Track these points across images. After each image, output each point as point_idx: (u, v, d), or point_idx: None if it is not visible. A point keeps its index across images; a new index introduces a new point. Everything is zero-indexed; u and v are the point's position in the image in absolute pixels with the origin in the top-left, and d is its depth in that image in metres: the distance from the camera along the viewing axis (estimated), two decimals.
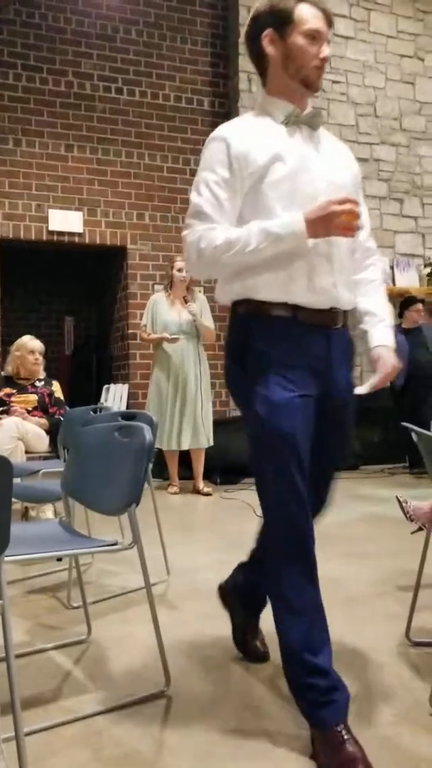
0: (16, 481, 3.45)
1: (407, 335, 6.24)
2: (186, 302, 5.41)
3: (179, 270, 5.42)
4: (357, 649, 2.36)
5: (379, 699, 2.00)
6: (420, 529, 3.15)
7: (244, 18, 6.71)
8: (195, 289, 5.73)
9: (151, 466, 2.51)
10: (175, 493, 5.42)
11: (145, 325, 5.55)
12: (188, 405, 5.40)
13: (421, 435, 2.22)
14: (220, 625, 2.60)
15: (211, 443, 5.53)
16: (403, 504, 3.21)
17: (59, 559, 3.21)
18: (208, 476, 6.16)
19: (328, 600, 2.87)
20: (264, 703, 1.99)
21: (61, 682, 2.14)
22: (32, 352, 4.67)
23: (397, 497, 3.27)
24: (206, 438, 5.46)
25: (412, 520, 3.16)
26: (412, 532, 3.19)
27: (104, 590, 3.04)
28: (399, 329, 6.21)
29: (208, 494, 5.40)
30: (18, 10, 6.36)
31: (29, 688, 2.08)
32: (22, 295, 9.03)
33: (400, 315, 6.38)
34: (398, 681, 2.12)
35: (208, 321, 5.50)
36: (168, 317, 5.44)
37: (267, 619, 2.64)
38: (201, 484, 5.50)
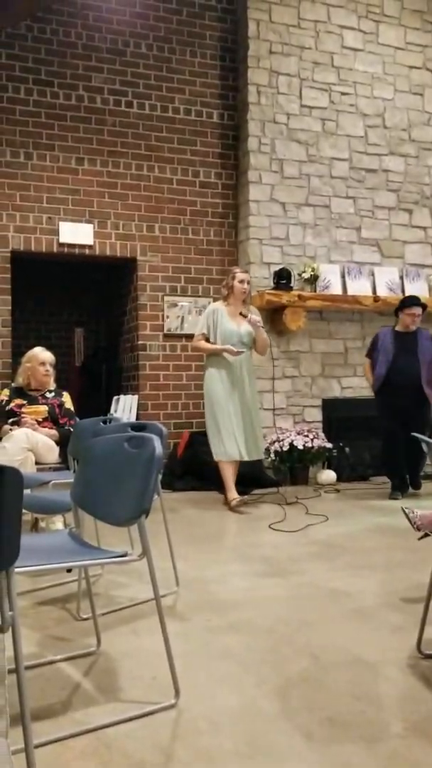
0: (26, 491, 3.47)
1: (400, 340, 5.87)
2: (243, 315, 5.38)
3: (240, 282, 5.43)
4: (367, 661, 2.35)
5: (389, 711, 1.99)
6: (426, 535, 3.15)
7: (254, 32, 6.78)
8: (249, 302, 5.75)
9: (160, 477, 2.51)
10: (243, 503, 5.24)
11: (204, 333, 5.43)
12: (250, 415, 5.36)
13: (431, 445, 2.22)
14: (229, 637, 2.60)
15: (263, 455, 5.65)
16: (409, 514, 3.21)
17: (69, 571, 3.21)
18: (219, 487, 6.15)
19: (337, 612, 2.87)
20: (274, 716, 1.98)
21: (70, 694, 2.15)
22: (43, 363, 4.69)
23: (402, 508, 3.27)
24: (262, 449, 5.56)
25: (418, 529, 3.16)
26: (419, 539, 3.20)
27: (114, 602, 3.04)
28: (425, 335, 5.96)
29: (241, 509, 5.19)
30: (29, 25, 6.43)
31: (39, 700, 2.09)
32: (32, 307, 9.08)
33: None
34: (409, 693, 2.11)
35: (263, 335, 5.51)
36: (229, 327, 5.38)
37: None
38: (233, 497, 5.28)
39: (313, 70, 7.00)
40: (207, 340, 5.42)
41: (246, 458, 5.33)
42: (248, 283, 5.51)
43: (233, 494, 5.26)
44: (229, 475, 5.31)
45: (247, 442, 5.32)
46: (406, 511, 3.23)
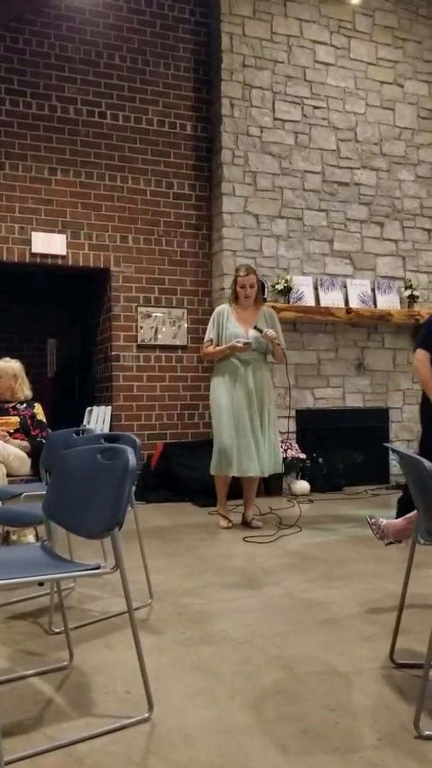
0: None
1: None
2: (258, 329, 4.91)
3: (242, 287, 5.02)
4: (341, 672, 2.35)
5: (363, 722, 1.99)
6: (392, 542, 3.19)
7: (227, 45, 6.83)
8: (262, 303, 5.28)
9: (134, 488, 2.50)
10: (228, 527, 4.92)
11: (211, 340, 5.03)
12: (260, 428, 4.91)
13: (403, 456, 2.24)
14: (203, 649, 2.58)
15: (278, 470, 5.13)
16: (371, 524, 3.24)
17: (41, 584, 3.18)
18: (192, 498, 6.13)
19: (311, 623, 2.87)
20: (248, 728, 1.97)
21: (42, 709, 2.11)
22: (13, 375, 4.64)
23: (366, 518, 3.31)
24: (273, 465, 5.01)
25: (381, 538, 3.19)
26: (386, 544, 3.24)
27: (86, 615, 3.01)
28: None
29: (257, 527, 4.92)
30: (2, 35, 6.41)
31: (10, 716, 2.05)
32: (4, 317, 9.01)
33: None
34: (382, 703, 2.11)
35: (280, 338, 5.03)
36: (236, 330, 4.96)
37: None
38: (251, 516, 5.06)
39: (285, 84, 7.07)
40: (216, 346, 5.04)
41: (237, 474, 4.91)
42: (251, 286, 5.03)
43: (223, 511, 5.05)
44: (220, 490, 5.05)
45: (246, 456, 4.84)
46: (370, 521, 3.26)
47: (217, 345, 5.00)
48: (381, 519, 3.25)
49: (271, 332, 4.88)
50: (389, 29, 7.55)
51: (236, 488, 5.24)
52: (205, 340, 5.15)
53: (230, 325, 4.99)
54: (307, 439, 6.94)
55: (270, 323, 5.02)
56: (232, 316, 5.03)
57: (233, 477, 5.02)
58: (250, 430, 4.87)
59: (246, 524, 4.98)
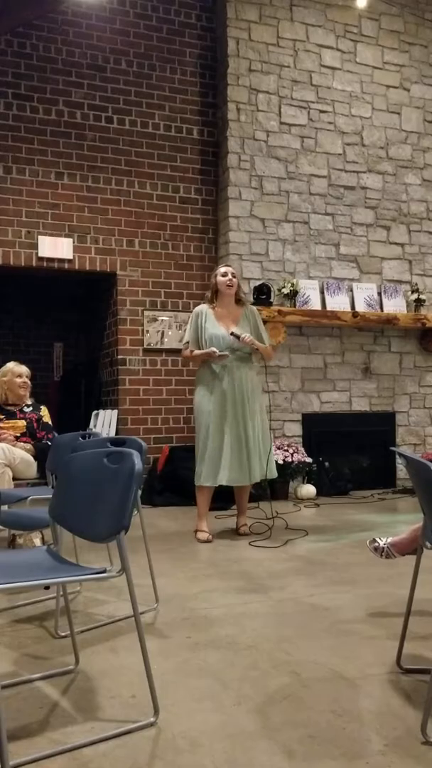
0: (4, 508, 3.44)
1: None
2: (235, 335, 4.64)
3: (223, 275, 4.76)
4: (347, 677, 2.34)
5: (369, 727, 1.98)
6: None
7: (233, 50, 6.84)
8: (245, 299, 4.99)
9: (140, 492, 2.50)
10: (208, 541, 4.64)
11: (188, 343, 4.78)
12: (247, 435, 4.66)
13: (410, 460, 2.23)
14: (209, 654, 2.57)
15: (270, 476, 4.85)
16: (372, 549, 3.19)
17: (47, 588, 3.17)
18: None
19: (318, 628, 2.86)
20: (254, 733, 1.97)
21: (47, 713, 2.11)
22: (20, 375, 4.66)
23: (367, 543, 3.25)
24: (262, 471, 4.76)
25: (388, 557, 3.15)
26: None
27: (92, 619, 3.01)
28: None
29: (245, 534, 4.79)
30: (9, 40, 6.44)
31: (15, 720, 2.05)
32: (11, 321, 9.04)
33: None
34: (389, 709, 2.10)
35: (263, 336, 4.83)
36: (215, 331, 4.68)
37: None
38: (242, 523, 4.91)
39: (291, 88, 7.08)
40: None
41: (226, 483, 4.69)
42: (234, 275, 4.79)
43: (202, 526, 4.75)
44: (201, 502, 4.77)
45: (238, 465, 4.64)
46: (371, 546, 3.21)
47: (195, 348, 4.75)
48: (380, 540, 3.20)
49: (247, 337, 4.63)
50: (395, 33, 7.55)
51: (229, 494, 5.10)
52: (182, 343, 4.92)
53: (209, 325, 4.72)
54: (314, 442, 6.93)
55: (252, 323, 4.82)
56: (211, 316, 4.75)
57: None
58: (235, 438, 4.64)
59: (239, 534, 4.86)
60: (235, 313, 4.82)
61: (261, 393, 4.87)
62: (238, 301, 4.85)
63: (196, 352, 4.72)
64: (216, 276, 4.83)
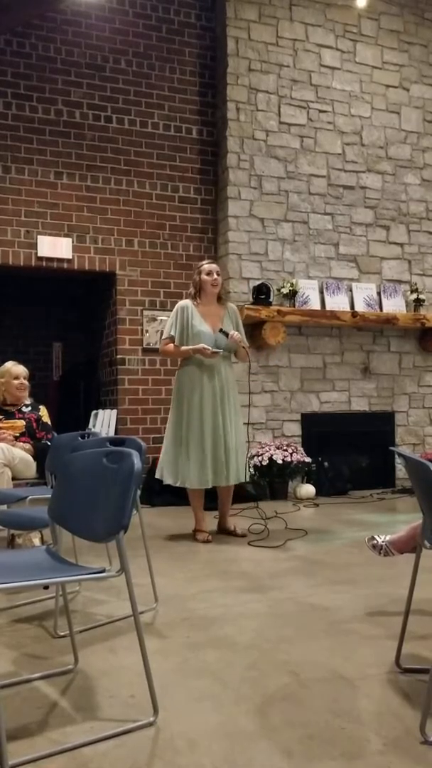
0: (3, 508, 3.44)
1: None
2: (224, 332, 4.63)
3: (208, 274, 4.69)
4: (346, 677, 2.34)
5: (368, 728, 1.98)
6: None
7: (233, 49, 6.84)
8: (226, 299, 4.92)
9: (139, 492, 2.50)
10: (207, 541, 4.61)
11: (171, 337, 4.66)
12: (227, 435, 4.61)
13: (409, 460, 2.23)
14: (208, 654, 2.57)
15: (244, 478, 4.75)
16: (371, 547, 3.20)
17: (46, 587, 3.17)
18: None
19: (317, 628, 2.86)
20: (253, 734, 1.97)
21: (47, 713, 2.11)
22: (17, 377, 4.65)
23: (365, 540, 3.26)
24: (240, 473, 4.68)
25: (386, 555, 3.16)
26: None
27: (91, 619, 3.01)
28: None
29: (243, 535, 4.74)
30: (8, 39, 6.44)
31: (14, 720, 2.05)
32: (10, 321, 9.04)
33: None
34: (388, 709, 2.10)
35: (244, 337, 4.78)
36: (203, 328, 4.63)
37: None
38: (232, 524, 4.85)
39: (291, 88, 7.07)
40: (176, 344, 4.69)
41: (212, 485, 4.65)
42: (218, 273, 4.74)
43: (200, 526, 4.72)
44: (196, 503, 4.73)
45: (219, 466, 4.60)
46: (369, 544, 3.22)
47: (180, 344, 4.64)
48: (378, 537, 3.21)
49: (237, 335, 4.64)
50: (395, 33, 7.55)
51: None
52: (164, 337, 4.76)
53: (196, 322, 4.63)
54: (313, 442, 6.93)
55: (234, 322, 4.77)
56: (196, 313, 4.68)
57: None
58: (215, 437, 4.59)
59: (225, 533, 4.82)
60: (218, 311, 4.76)
61: (237, 392, 4.82)
62: (219, 298, 4.80)
63: (184, 347, 4.63)
64: (200, 273, 4.74)
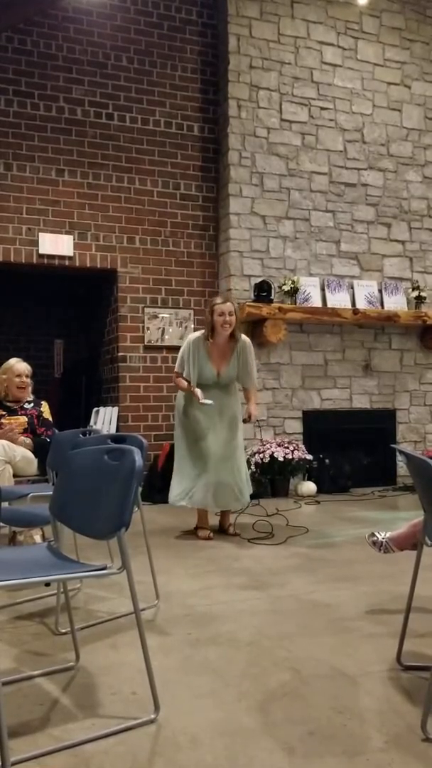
0: (4, 505, 3.44)
1: None
2: (230, 350, 4.64)
3: (220, 315, 4.60)
4: (348, 674, 2.34)
5: (370, 724, 1.98)
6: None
7: (234, 47, 6.83)
8: (239, 335, 4.76)
9: (140, 489, 2.50)
10: (209, 538, 4.65)
11: (180, 372, 4.73)
12: (226, 459, 4.65)
13: (410, 457, 2.23)
14: (209, 651, 2.58)
15: (247, 499, 4.80)
16: (371, 543, 3.20)
17: (47, 584, 3.18)
18: None
19: (318, 625, 2.87)
20: (255, 730, 1.97)
21: (48, 710, 2.11)
22: (19, 375, 4.64)
23: (366, 537, 3.27)
24: (246, 495, 4.75)
25: (386, 552, 3.16)
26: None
27: (93, 616, 3.01)
28: None
29: (235, 534, 4.75)
30: (10, 36, 6.43)
31: (16, 716, 2.05)
32: (11, 318, 9.04)
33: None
34: (389, 706, 2.10)
35: (252, 372, 4.78)
36: (207, 369, 4.67)
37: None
38: (228, 523, 4.85)
39: (292, 85, 7.06)
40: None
41: (215, 509, 4.73)
42: (230, 314, 4.63)
43: (202, 524, 4.78)
44: (202, 514, 4.78)
45: (223, 491, 4.63)
46: (370, 540, 3.22)
47: (188, 377, 4.68)
48: (378, 534, 3.21)
49: (254, 416, 4.70)
50: (396, 30, 7.53)
51: None
52: (176, 369, 4.80)
53: (202, 362, 4.67)
54: (314, 440, 6.93)
55: (242, 359, 4.73)
56: (204, 352, 4.68)
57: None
58: (216, 460, 4.62)
59: (223, 532, 4.83)
60: (227, 349, 4.72)
61: (241, 422, 4.82)
62: (232, 335, 4.70)
63: (184, 383, 4.68)
64: (213, 314, 4.64)
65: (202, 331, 4.77)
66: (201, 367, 4.68)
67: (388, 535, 3.16)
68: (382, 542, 3.16)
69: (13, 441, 4.31)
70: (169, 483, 4.81)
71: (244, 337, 4.82)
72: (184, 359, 4.72)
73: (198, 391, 4.57)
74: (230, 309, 4.66)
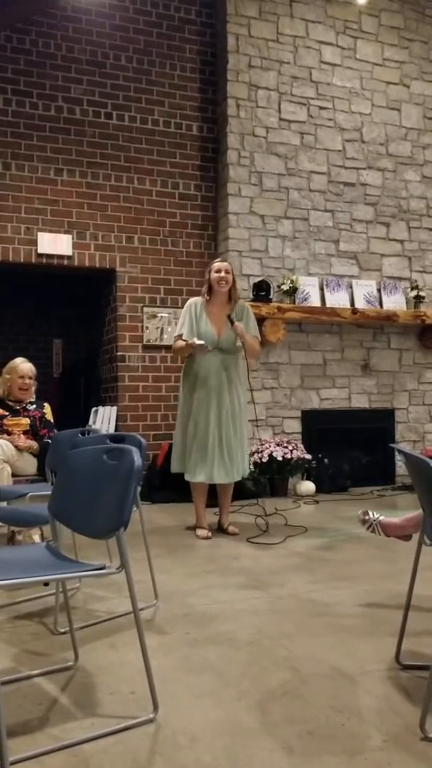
0: (3, 504, 3.44)
1: None
2: (231, 319, 4.62)
3: (217, 271, 4.66)
4: (347, 673, 2.34)
5: (369, 724, 1.98)
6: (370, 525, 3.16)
7: (233, 46, 6.83)
8: (237, 297, 4.83)
9: (139, 488, 2.50)
10: (207, 538, 4.63)
11: (181, 335, 4.71)
12: (228, 431, 4.65)
13: (409, 456, 2.23)
14: (209, 650, 2.58)
15: (245, 474, 4.85)
16: (362, 520, 3.21)
17: (46, 584, 3.18)
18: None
19: (317, 624, 2.87)
20: (254, 730, 1.97)
21: (47, 710, 2.11)
22: (22, 376, 4.63)
23: (360, 513, 3.28)
24: (243, 470, 4.77)
25: (373, 532, 3.17)
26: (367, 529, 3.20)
27: (92, 615, 3.01)
28: None
29: (234, 533, 4.73)
30: (8, 36, 6.43)
31: (15, 716, 2.05)
32: (10, 318, 9.03)
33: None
34: (388, 705, 2.10)
35: (253, 332, 4.76)
36: (206, 328, 4.67)
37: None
38: (227, 522, 4.86)
39: (291, 85, 7.06)
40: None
41: (216, 481, 4.71)
42: (227, 272, 4.69)
43: (201, 523, 4.77)
44: (198, 500, 4.78)
45: (223, 463, 4.63)
46: (362, 516, 3.23)
47: (188, 340, 4.65)
48: (372, 513, 3.22)
49: (239, 327, 4.60)
50: (395, 30, 7.53)
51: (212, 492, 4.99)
52: (175, 335, 4.81)
53: (201, 323, 4.69)
54: (313, 439, 6.93)
55: (242, 316, 4.74)
56: (204, 313, 4.71)
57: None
58: (220, 435, 4.63)
59: (222, 530, 4.82)
60: (225, 311, 4.74)
61: (245, 391, 4.86)
62: (230, 297, 4.75)
63: (182, 343, 4.67)
64: (210, 271, 4.74)
65: (200, 297, 4.82)
66: (201, 328, 4.67)
67: (381, 518, 3.17)
68: (372, 522, 3.17)
69: (19, 449, 4.31)
70: (169, 483, 4.81)
71: (242, 301, 4.88)
72: (185, 320, 4.72)
73: (195, 339, 4.56)
74: (227, 267, 4.75)
